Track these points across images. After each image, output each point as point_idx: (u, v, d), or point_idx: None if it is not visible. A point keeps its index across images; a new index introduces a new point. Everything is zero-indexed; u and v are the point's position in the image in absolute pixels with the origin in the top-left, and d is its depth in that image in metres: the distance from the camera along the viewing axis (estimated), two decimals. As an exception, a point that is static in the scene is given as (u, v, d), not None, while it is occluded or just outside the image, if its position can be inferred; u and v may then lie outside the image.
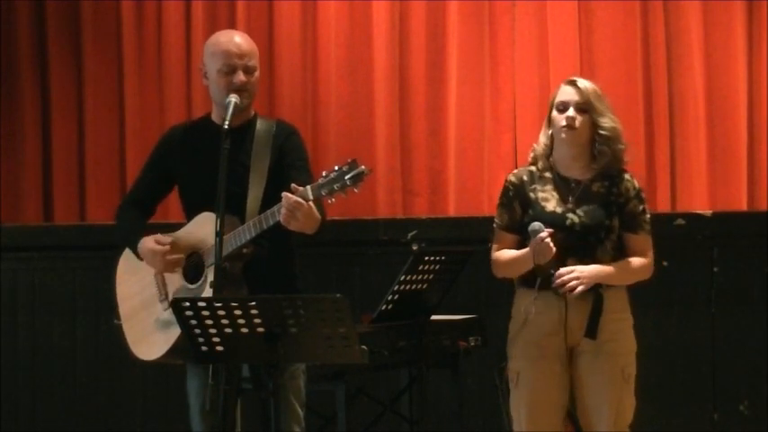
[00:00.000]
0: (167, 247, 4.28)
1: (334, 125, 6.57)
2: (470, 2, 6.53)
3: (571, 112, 4.28)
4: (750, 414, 5.98)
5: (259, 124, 4.37)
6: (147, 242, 4.33)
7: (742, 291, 6.00)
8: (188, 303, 3.72)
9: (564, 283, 4.18)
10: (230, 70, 4.28)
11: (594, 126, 4.29)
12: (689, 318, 6.01)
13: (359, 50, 6.60)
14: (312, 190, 3.92)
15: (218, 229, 3.96)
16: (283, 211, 3.95)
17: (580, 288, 4.18)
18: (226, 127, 4.08)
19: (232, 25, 6.59)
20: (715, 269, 6.01)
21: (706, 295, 6.01)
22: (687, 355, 6.00)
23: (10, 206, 6.77)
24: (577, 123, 4.27)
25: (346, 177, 3.87)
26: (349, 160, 3.91)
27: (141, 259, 4.37)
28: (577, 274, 4.19)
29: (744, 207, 6.32)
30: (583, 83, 4.32)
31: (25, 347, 6.38)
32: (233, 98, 4.21)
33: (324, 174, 3.92)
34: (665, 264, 5.76)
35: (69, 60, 6.82)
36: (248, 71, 4.30)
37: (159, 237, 4.33)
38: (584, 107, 4.28)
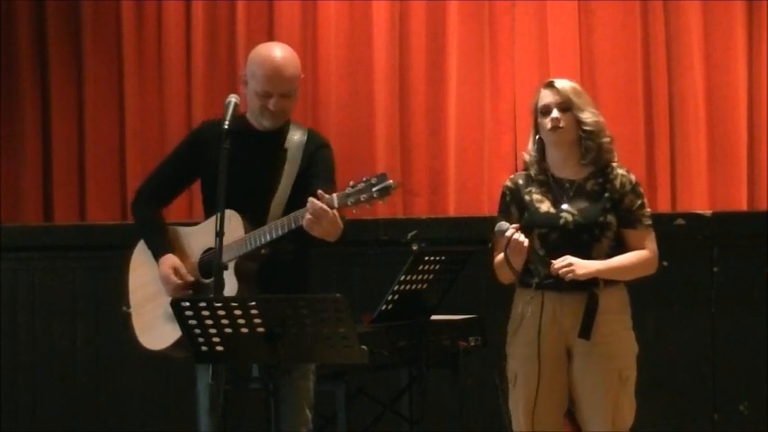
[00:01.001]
0: (180, 283, 4.30)
1: (334, 125, 6.57)
2: (470, 2, 6.53)
3: (555, 113, 4.31)
4: (750, 414, 5.98)
5: (291, 131, 4.38)
6: (166, 266, 4.34)
7: (742, 291, 5.99)
8: (188, 303, 3.72)
9: (559, 270, 4.18)
10: (266, 95, 4.27)
11: (579, 122, 4.31)
12: (689, 318, 6.01)
13: (359, 50, 6.60)
14: (338, 198, 3.94)
15: (218, 228, 3.96)
16: (308, 216, 3.97)
17: (569, 276, 4.17)
18: (225, 127, 4.08)
19: (232, 25, 6.61)
20: (715, 269, 6.01)
21: (706, 295, 6.00)
22: (687, 355, 6.00)
23: (10, 206, 6.78)
24: (562, 123, 4.30)
25: (374, 189, 3.88)
26: (378, 173, 3.93)
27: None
28: (570, 260, 4.19)
29: (744, 207, 6.32)
30: (560, 83, 4.36)
31: (25, 347, 6.38)
32: (233, 98, 4.20)
33: (351, 184, 3.94)
34: (665, 264, 5.73)
35: (69, 60, 6.83)
36: (285, 96, 4.29)
37: (180, 267, 4.33)
38: (566, 106, 4.31)
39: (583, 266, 4.20)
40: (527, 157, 4.42)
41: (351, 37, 6.62)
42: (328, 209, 3.94)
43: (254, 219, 4.20)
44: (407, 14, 6.58)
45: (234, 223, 4.11)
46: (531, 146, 4.41)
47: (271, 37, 6.58)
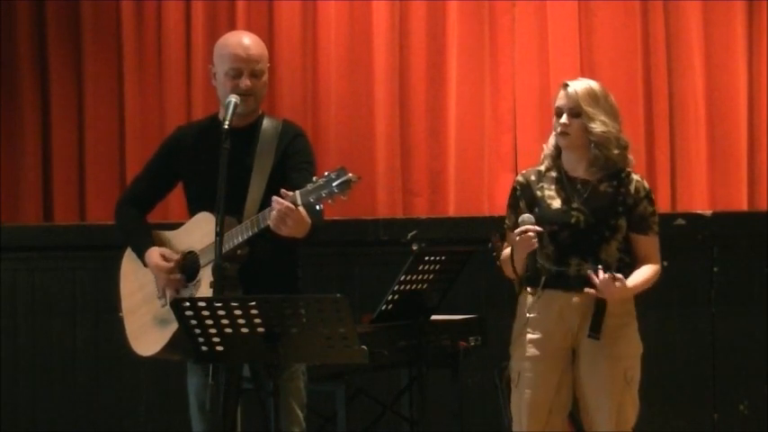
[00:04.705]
0: (171, 265, 4.29)
1: (334, 125, 6.57)
2: (470, 2, 6.53)
3: (564, 118, 4.27)
4: (750, 414, 5.98)
5: (265, 124, 4.36)
6: (154, 255, 4.34)
7: (742, 291, 6.00)
8: (188, 303, 3.72)
9: (600, 280, 4.15)
10: (237, 74, 4.28)
11: (587, 130, 4.28)
12: (689, 318, 6.01)
13: (359, 50, 6.60)
14: (301, 196, 3.91)
15: (218, 229, 3.95)
16: (273, 215, 3.94)
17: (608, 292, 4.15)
18: (226, 127, 4.08)
19: (232, 25, 6.60)
20: (715, 269, 6.01)
21: (706, 295, 6.00)
22: (687, 355, 6.00)
23: (10, 206, 6.77)
24: (570, 129, 4.27)
25: (333, 185, 3.83)
26: (338, 167, 3.87)
27: (145, 265, 4.38)
28: (620, 284, 4.14)
29: (744, 207, 6.32)
30: (574, 86, 4.29)
31: (25, 347, 6.38)
32: (233, 98, 4.20)
33: (314, 179, 3.90)
34: (665, 264, 5.75)
35: (69, 60, 6.82)
36: (255, 75, 4.29)
37: (165, 251, 4.33)
38: (576, 111, 4.26)
39: (624, 292, 4.19)
40: (546, 150, 4.39)
41: (351, 37, 6.62)
42: (294, 207, 3.91)
43: (230, 219, 4.15)
44: (407, 14, 6.58)
45: (212, 225, 4.05)
46: (551, 140, 4.38)
47: (271, 37, 6.58)
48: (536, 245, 4.15)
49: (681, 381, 5.99)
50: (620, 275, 4.15)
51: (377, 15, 6.57)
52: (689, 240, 6.01)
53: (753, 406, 5.98)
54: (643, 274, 4.28)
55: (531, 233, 4.13)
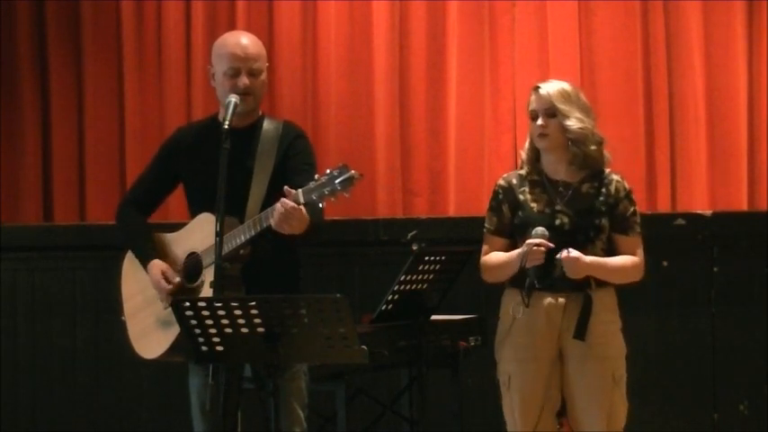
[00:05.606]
0: (171, 288, 4.28)
1: (334, 125, 6.58)
2: (470, 2, 6.53)
3: (540, 120, 4.30)
4: (750, 414, 5.98)
5: (265, 125, 4.36)
6: (156, 271, 4.32)
7: (742, 291, 5.99)
8: (188, 303, 3.72)
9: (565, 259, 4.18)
10: (235, 73, 4.28)
11: (564, 129, 4.29)
12: (689, 318, 6.00)
13: (359, 50, 6.60)
14: (303, 194, 3.91)
15: (218, 229, 3.95)
16: (276, 215, 3.95)
17: (572, 267, 4.17)
18: (226, 127, 4.08)
19: (232, 25, 6.60)
20: (715, 269, 6.00)
21: (706, 295, 6.00)
22: (687, 355, 6.00)
23: (10, 206, 6.78)
24: (548, 130, 4.30)
25: (336, 182, 3.83)
26: (340, 165, 3.88)
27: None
28: (577, 255, 4.18)
29: (744, 207, 6.32)
30: (546, 87, 4.33)
31: (25, 347, 6.38)
32: (233, 98, 4.21)
33: (316, 177, 3.91)
34: (665, 264, 5.76)
35: (69, 60, 6.83)
36: (253, 74, 4.29)
37: (165, 268, 4.32)
38: (551, 112, 4.29)
39: (585, 264, 4.20)
40: (524, 156, 4.43)
41: (351, 37, 6.62)
42: (298, 207, 3.92)
43: (232, 219, 4.15)
44: (407, 14, 6.58)
45: (213, 226, 4.06)
46: (527, 145, 4.42)
47: (271, 37, 6.59)
48: (543, 260, 4.17)
49: (681, 381, 5.99)
50: (572, 251, 4.17)
51: (377, 15, 6.57)
52: (689, 240, 6.01)
53: (753, 406, 5.98)
54: (617, 259, 4.30)
55: (542, 249, 4.16)
